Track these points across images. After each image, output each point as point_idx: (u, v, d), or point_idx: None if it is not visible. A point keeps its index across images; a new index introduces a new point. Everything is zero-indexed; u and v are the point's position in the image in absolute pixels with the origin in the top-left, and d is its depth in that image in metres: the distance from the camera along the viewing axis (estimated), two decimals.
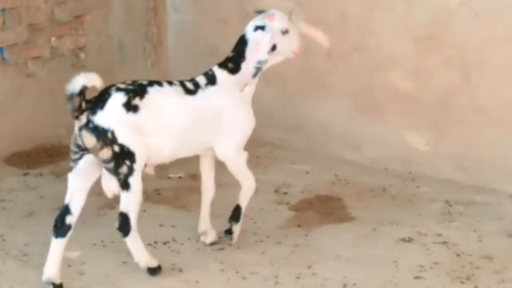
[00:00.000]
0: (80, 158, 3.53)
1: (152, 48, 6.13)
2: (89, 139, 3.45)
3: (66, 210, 3.54)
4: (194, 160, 5.23)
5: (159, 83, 3.68)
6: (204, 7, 5.84)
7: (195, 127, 3.70)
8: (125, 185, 3.52)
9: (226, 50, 5.78)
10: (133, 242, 3.65)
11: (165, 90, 3.66)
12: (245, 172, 3.97)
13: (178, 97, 3.67)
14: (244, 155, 3.93)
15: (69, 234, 3.55)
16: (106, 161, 3.48)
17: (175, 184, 5.01)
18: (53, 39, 5.63)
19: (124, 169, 3.50)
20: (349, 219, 4.50)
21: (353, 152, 5.36)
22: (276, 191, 4.91)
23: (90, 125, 3.45)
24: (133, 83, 3.63)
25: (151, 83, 3.66)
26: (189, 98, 3.72)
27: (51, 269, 3.56)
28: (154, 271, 3.74)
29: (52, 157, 5.44)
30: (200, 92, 3.79)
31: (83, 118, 3.46)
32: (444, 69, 4.80)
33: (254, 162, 5.31)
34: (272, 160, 5.47)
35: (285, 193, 4.88)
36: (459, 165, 4.91)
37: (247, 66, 3.84)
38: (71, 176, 3.56)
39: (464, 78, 4.72)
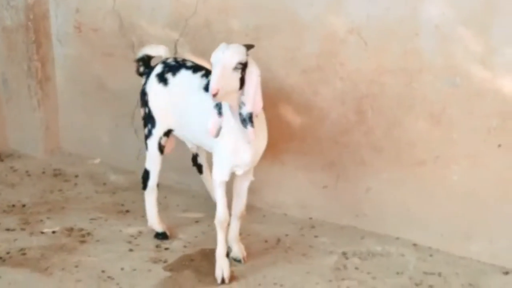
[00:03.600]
0: None
1: (37, 85, 5.58)
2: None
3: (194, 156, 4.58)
4: (73, 212, 4.79)
5: (197, 69, 4.06)
6: (88, 39, 5.34)
7: (196, 121, 3.92)
8: (145, 145, 4.28)
9: (113, 84, 5.34)
10: (148, 198, 4.37)
11: (192, 77, 4.02)
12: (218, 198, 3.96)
13: (195, 88, 3.94)
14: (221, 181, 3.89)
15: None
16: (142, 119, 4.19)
17: (45, 240, 4.46)
18: None
19: (146, 131, 4.21)
20: (229, 280, 3.98)
21: (252, 196, 4.83)
22: (157, 246, 4.39)
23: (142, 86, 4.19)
24: (179, 60, 4.17)
25: (190, 67, 4.09)
26: (203, 95, 3.86)
27: None
28: (158, 235, 4.39)
29: None
30: None
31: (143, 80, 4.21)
32: (338, 103, 4.31)
33: (143, 211, 4.82)
34: (164, 207, 4.93)
35: (167, 248, 4.36)
36: (360, 211, 4.44)
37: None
38: None
39: (359, 114, 4.25)
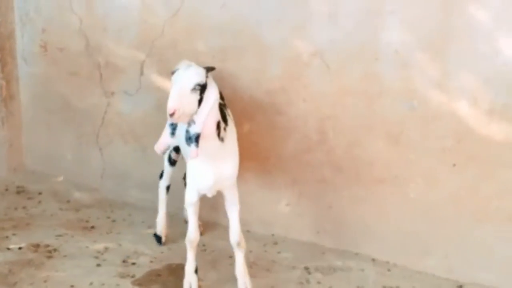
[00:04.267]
0: None
1: (1, 103, 5.63)
2: None
3: None
4: (39, 228, 4.84)
5: None
6: (54, 59, 5.41)
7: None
8: None
9: (78, 103, 5.43)
10: (160, 191, 4.65)
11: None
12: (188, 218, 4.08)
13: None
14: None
15: None
16: None
17: (12, 256, 4.50)
18: None
19: None
20: None
21: (216, 214, 4.97)
22: (124, 261, 4.47)
23: None
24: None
25: None
26: None
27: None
28: (156, 237, 4.64)
29: None
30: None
31: None
32: (301, 124, 4.47)
33: (108, 227, 4.92)
34: (129, 224, 5.03)
35: (134, 263, 4.45)
36: (321, 227, 4.59)
37: None
38: None
39: (321, 134, 4.42)
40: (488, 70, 3.85)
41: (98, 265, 4.41)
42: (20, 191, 5.56)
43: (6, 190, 5.57)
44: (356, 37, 4.19)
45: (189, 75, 3.47)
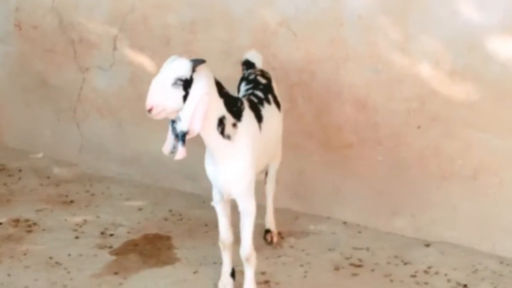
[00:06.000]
0: None
1: None
2: None
3: None
4: (19, 204, 4.93)
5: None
6: (29, 37, 5.47)
7: None
8: None
9: (54, 80, 5.49)
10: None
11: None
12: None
13: None
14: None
15: None
16: None
17: None
18: None
19: None
20: (172, 261, 4.20)
21: (192, 183, 5.06)
22: (102, 233, 4.57)
23: None
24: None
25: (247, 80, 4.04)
26: None
27: None
28: None
29: None
30: None
31: None
32: None
33: (87, 201, 5.00)
34: (107, 197, 5.12)
35: (111, 234, 4.54)
36: (294, 193, 4.69)
37: None
38: None
39: (291, 101, 4.50)
40: (448, 32, 3.93)
41: (77, 237, 4.50)
42: (0, 168, 5.62)
43: None
44: (321, 4, 4.26)
45: (170, 69, 3.13)
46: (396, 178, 4.32)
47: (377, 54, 4.16)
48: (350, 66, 4.26)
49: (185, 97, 3.13)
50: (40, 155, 5.76)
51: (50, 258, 4.23)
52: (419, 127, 4.16)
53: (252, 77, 3.97)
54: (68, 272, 4.07)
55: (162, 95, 3.11)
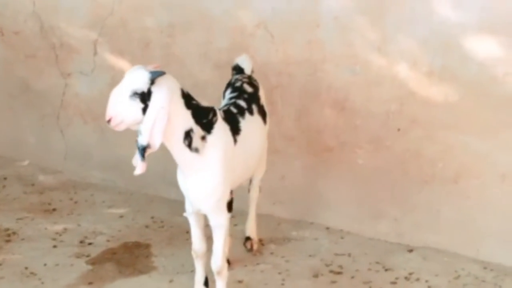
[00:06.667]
0: None
1: None
2: None
3: None
4: (0, 213, 4.89)
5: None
6: (11, 42, 5.41)
7: None
8: None
9: (37, 85, 5.43)
10: None
11: None
12: None
13: None
14: None
15: None
16: None
17: None
18: None
19: None
20: (149, 270, 4.12)
21: (175, 190, 4.94)
22: (82, 241, 4.49)
23: None
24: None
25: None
26: None
27: None
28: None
29: None
30: None
31: None
32: None
33: (70, 209, 4.94)
34: (91, 204, 5.05)
35: (90, 243, 4.47)
36: (276, 199, 4.60)
37: None
38: None
39: (271, 105, 4.37)
40: (424, 31, 3.83)
41: (55, 246, 4.43)
42: None
43: None
44: (297, 5, 4.18)
45: (128, 80, 3.04)
46: (377, 182, 4.22)
47: (354, 55, 4.07)
48: (328, 68, 4.17)
49: (144, 110, 3.02)
50: (26, 162, 5.70)
51: (26, 268, 4.16)
52: (399, 129, 4.06)
53: (238, 84, 3.82)
54: (42, 283, 4.00)
55: (120, 107, 3.02)
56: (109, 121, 3.06)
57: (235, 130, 3.44)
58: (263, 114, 3.79)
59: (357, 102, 4.14)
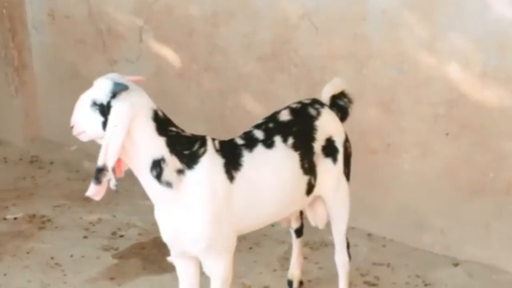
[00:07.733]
0: None
1: (14, 72, 5.60)
2: None
3: None
4: (40, 199, 4.80)
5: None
6: (62, 27, 5.34)
7: None
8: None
9: (86, 71, 5.33)
10: None
11: None
12: None
13: None
14: None
15: None
16: None
17: (5, 227, 4.49)
18: None
19: None
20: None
21: None
22: (114, 233, 4.38)
23: None
24: None
25: None
26: None
27: None
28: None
29: None
30: None
31: None
32: (293, 91, 4.22)
33: (108, 198, 4.78)
34: (130, 194, 4.87)
35: (122, 236, 4.34)
36: None
37: None
38: None
39: None
40: (478, 29, 3.50)
41: (85, 237, 4.35)
42: (33, 160, 5.55)
43: (20, 159, 5.58)
44: None
45: (93, 88, 2.71)
46: (423, 190, 3.93)
47: (401, 52, 3.77)
48: (374, 65, 3.89)
49: (105, 124, 2.64)
50: (74, 148, 5.63)
51: (52, 258, 4.09)
52: (447, 134, 3.74)
53: (286, 110, 3.14)
54: (65, 275, 3.92)
55: (82, 116, 2.72)
56: (72, 127, 2.77)
57: (232, 165, 2.84)
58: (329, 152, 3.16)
59: (404, 103, 3.84)
